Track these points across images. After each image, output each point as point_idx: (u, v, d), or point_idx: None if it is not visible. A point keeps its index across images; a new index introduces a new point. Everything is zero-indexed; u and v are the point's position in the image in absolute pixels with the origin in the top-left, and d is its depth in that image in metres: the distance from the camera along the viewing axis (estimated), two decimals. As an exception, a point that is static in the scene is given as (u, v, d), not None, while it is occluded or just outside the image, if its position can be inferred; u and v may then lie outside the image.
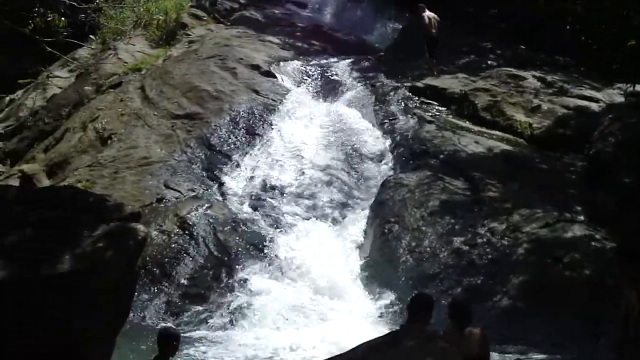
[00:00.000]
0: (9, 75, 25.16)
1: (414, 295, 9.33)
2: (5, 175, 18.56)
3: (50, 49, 13.89)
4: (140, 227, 7.98)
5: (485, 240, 13.00)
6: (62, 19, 12.69)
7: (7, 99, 25.06)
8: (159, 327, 10.11)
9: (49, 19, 12.69)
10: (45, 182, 17.31)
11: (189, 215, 14.48)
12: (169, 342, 7.37)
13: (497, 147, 16.36)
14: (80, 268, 7.10)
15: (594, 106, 17.71)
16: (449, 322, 8.02)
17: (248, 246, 14.02)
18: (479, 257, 12.74)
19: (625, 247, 7.56)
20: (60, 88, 23.39)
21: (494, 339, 8.99)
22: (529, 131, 17.20)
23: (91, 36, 21.55)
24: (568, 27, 21.88)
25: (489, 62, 21.70)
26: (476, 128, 17.58)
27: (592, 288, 11.44)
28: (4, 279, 6.78)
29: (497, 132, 17.36)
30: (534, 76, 19.27)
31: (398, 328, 7.67)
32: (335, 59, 22.97)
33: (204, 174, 16.46)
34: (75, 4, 13.26)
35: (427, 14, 21.07)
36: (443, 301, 10.12)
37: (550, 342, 10.92)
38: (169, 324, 10.84)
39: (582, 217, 13.25)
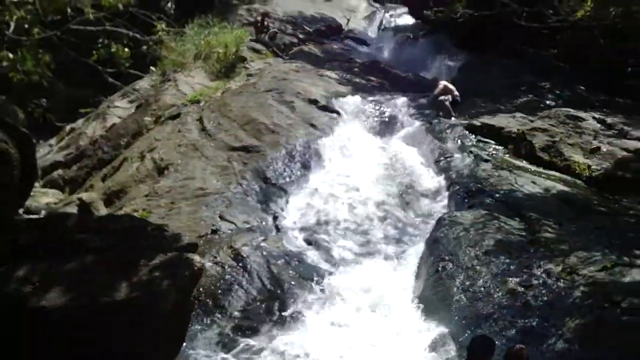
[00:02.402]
0: (71, 104, 25.70)
1: (475, 336, 9.24)
2: (64, 203, 18.84)
3: (112, 80, 14.11)
4: (197, 257, 8.06)
5: (540, 281, 12.79)
6: (126, 50, 12.89)
7: (68, 127, 25.52)
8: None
9: (112, 50, 12.90)
10: (103, 211, 17.53)
11: (243, 248, 14.51)
12: None
13: (554, 188, 16.17)
14: (137, 296, 7.17)
15: (655, 149, 17.47)
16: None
17: (301, 280, 13.98)
18: (534, 298, 12.52)
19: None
20: (120, 118, 23.75)
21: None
22: (588, 173, 16.98)
23: (152, 67, 21.91)
24: (629, 69, 21.72)
25: (547, 102, 21.54)
26: (533, 168, 17.43)
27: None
28: (64, 306, 6.87)
29: (554, 173, 17.17)
30: (593, 117, 19.07)
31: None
32: (392, 95, 23.00)
33: (259, 206, 16.52)
34: (138, 35, 13.46)
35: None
36: (497, 342, 9.99)
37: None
38: None
39: (641, 262, 13.00)
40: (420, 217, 16.42)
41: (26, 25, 12.18)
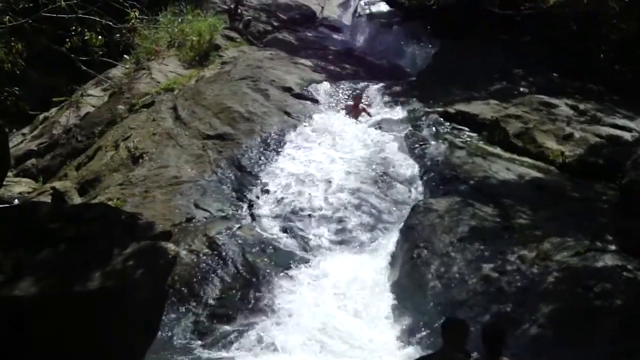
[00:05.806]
0: (44, 93, 25.44)
1: (448, 319, 9.24)
2: (38, 192, 18.71)
3: (85, 68, 13.99)
4: (171, 246, 8.01)
5: (514, 267, 12.88)
6: (99, 38, 12.80)
7: (42, 116, 25.28)
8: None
9: (85, 38, 12.82)
10: (77, 200, 17.42)
11: (218, 236, 14.49)
12: None
13: (528, 175, 16.27)
14: (110, 285, 7.14)
15: (627, 135, 17.60)
16: (481, 349, 7.92)
17: (276, 268, 13.98)
18: (508, 284, 12.61)
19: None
20: (94, 106, 23.57)
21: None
22: (561, 159, 17.09)
23: (125, 56, 21.77)
24: (602, 55, 21.85)
25: (521, 89, 21.62)
26: (507, 155, 17.50)
27: (624, 317, 11.30)
28: (36, 296, 6.83)
29: (528, 160, 17.25)
30: (566, 104, 19.18)
31: (426, 353, 7.63)
32: (366, 83, 23.01)
33: (234, 194, 16.49)
34: (111, 23, 13.36)
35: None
36: (471, 327, 10.02)
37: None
38: None
39: (613, 247, 13.09)
40: (395, 205, 16.43)
41: (-3, 13, 12.08)
